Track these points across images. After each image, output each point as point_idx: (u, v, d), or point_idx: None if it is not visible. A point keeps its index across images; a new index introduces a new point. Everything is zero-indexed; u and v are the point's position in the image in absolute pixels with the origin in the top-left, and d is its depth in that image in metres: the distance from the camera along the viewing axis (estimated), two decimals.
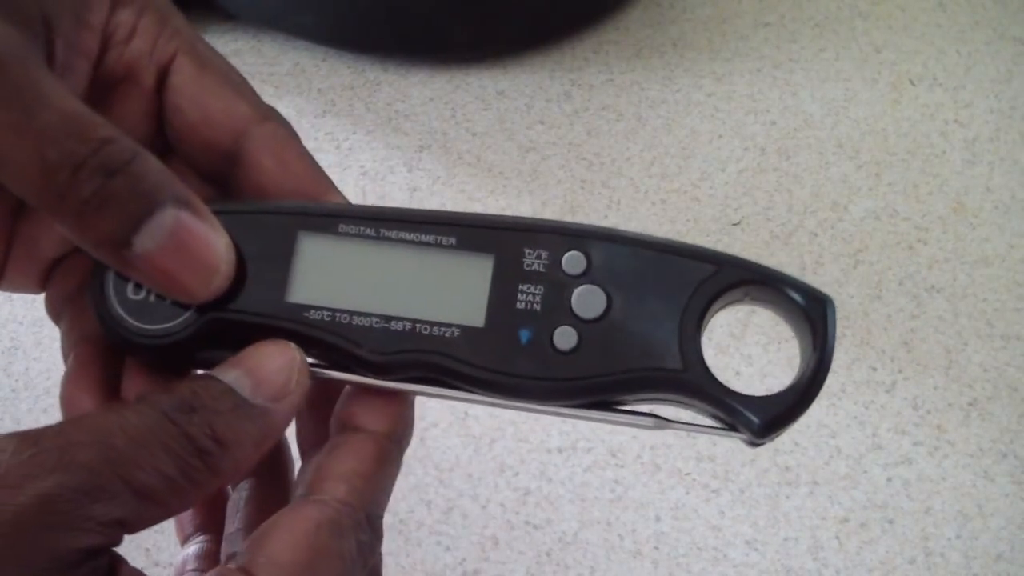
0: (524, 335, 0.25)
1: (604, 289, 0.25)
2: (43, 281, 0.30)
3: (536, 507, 0.68)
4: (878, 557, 0.66)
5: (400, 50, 0.94)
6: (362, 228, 0.26)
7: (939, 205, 0.86)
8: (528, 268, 0.25)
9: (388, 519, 0.67)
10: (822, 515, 0.68)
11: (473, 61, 0.94)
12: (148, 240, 0.24)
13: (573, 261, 0.25)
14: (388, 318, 0.25)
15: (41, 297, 0.31)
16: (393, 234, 0.25)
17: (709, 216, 0.85)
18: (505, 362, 0.25)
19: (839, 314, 0.86)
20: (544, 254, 0.25)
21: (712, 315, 0.26)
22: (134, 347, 0.26)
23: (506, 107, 0.91)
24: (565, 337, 0.25)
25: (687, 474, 0.69)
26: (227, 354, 0.26)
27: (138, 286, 0.26)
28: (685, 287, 0.25)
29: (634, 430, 0.75)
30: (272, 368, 0.26)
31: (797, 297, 0.25)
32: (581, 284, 0.25)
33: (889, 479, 0.70)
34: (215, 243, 0.25)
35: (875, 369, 0.75)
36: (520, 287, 0.25)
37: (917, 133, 0.91)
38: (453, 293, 0.25)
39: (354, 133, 0.89)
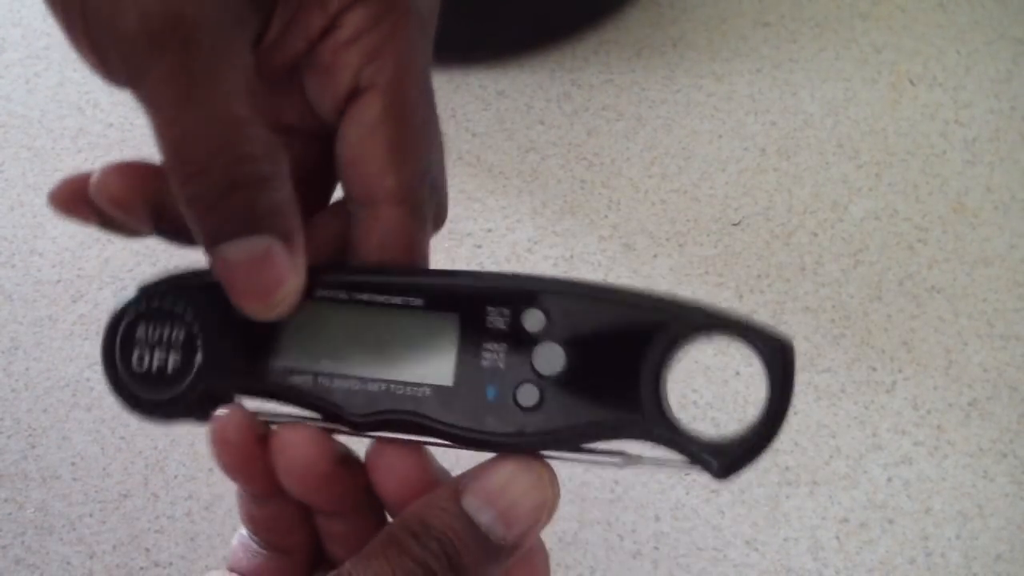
0: (490, 392, 0.26)
1: (563, 346, 0.26)
2: None
3: None
4: (878, 557, 0.66)
5: None
6: (336, 292, 0.26)
7: (939, 205, 0.86)
8: (491, 326, 0.26)
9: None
10: (822, 515, 0.68)
11: (473, 61, 0.94)
12: (233, 252, 0.25)
13: (533, 318, 0.26)
14: (365, 380, 0.26)
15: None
16: (365, 296, 0.26)
17: (709, 216, 0.85)
18: (474, 420, 0.26)
19: (839, 314, 0.85)
20: (505, 311, 0.26)
21: (672, 362, 0.26)
22: (141, 405, 0.27)
23: (506, 107, 0.91)
24: (528, 394, 0.26)
25: (687, 474, 0.69)
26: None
27: (141, 358, 0.26)
28: (642, 339, 0.25)
29: None
30: (527, 507, 0.25)
31: (757, 342, 0.25)
32: (541, 341, 0.26)
33: (889, 479, 0.70)
34: (288, 281, 0.25)
35: (875, 369, 0.75)
36: (484, 345, 0.26)
37: (917, 133, 0.91)
38: (423, 353, 0.26)
39: None
